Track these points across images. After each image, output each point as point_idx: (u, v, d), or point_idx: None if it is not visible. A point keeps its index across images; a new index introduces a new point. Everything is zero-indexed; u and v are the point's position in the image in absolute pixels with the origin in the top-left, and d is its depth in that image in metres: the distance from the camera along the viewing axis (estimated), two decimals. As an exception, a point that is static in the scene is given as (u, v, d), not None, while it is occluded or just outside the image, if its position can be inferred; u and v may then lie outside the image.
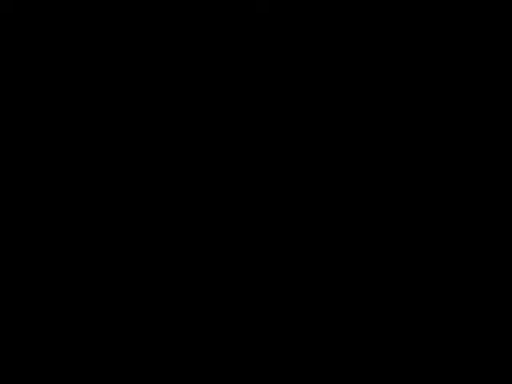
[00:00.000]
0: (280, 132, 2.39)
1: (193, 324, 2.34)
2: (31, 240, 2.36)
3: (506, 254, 2.33)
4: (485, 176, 2.36)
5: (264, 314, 2.35)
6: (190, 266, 2.36)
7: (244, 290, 2.35)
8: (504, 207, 2.35)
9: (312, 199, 2.37)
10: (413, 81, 2.39)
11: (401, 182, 2.37)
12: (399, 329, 2.33)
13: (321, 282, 2.35)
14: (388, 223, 2.36)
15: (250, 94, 2.40)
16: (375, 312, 2.34)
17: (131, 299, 2.35)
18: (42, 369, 2.32)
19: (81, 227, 2.36)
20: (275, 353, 2.33)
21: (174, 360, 2.33)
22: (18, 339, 2.33)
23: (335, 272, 2.35)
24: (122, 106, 2.40)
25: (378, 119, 2.38)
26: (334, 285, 2.35)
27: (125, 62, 2.40)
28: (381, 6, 2.39)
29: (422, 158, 2.37)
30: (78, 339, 2.33)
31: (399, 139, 2.38)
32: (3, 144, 2.38)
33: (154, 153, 2.39)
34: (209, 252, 2.36)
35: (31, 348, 2.33)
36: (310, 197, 2.38)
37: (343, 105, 2.39)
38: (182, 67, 2.40)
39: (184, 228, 2.37)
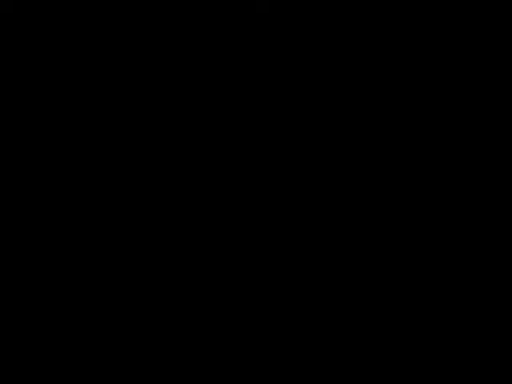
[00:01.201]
0: (280, 132, 2.39)
1: (192, 324, 2.35)
2: (31, 240, 2.36)
3: (506, 254, 2.34)
4: (485, 176, 2.37)
5: (264, 314, 2.35)
6: (190, 266, 2.36)
7: (244, 290, 2.35)
8: (504, 207, 2.35)
9: (312, 199, 2.38)
10: (413, 81, 2.39)
11: (401, 181, 2.37)
12: (399, 328, 2.33)
13: (321, 282, 2.35)
14: (388, 223, 2.36)
15: (250, 94, 2.40)
16: (375, 312, 2.34)
17: (131, 299, 2.35)
18: (42, 369, 2.32)
19: (80, 227, 2.37)
20: (275, 353, 2.34)
21: (174, 360, 2.33)
22: (18, 339, 2.33)
23: (335, 272, 2.36)
24: (122, 105, 2.40)
25: (377, 119, 2.39)
26: (334, 284, 2.35)
27: (125, 61, 2.40)
28: (381, 6, 2.40)
29: (421, 158, 2.38)
30: (78, 339, 2.33)
31: (399, 139, 2.38)
32: (3, 144, 2.39)
33: (154, 152, 2.39)
34: (208, 252, 2.37)
35: (31, 348, 2.33)
36: (309, 197, 2.38)
37: (343, 105, 2.39)
38: (182, 67, 2.40)
39: (184, 227, 2.37)
